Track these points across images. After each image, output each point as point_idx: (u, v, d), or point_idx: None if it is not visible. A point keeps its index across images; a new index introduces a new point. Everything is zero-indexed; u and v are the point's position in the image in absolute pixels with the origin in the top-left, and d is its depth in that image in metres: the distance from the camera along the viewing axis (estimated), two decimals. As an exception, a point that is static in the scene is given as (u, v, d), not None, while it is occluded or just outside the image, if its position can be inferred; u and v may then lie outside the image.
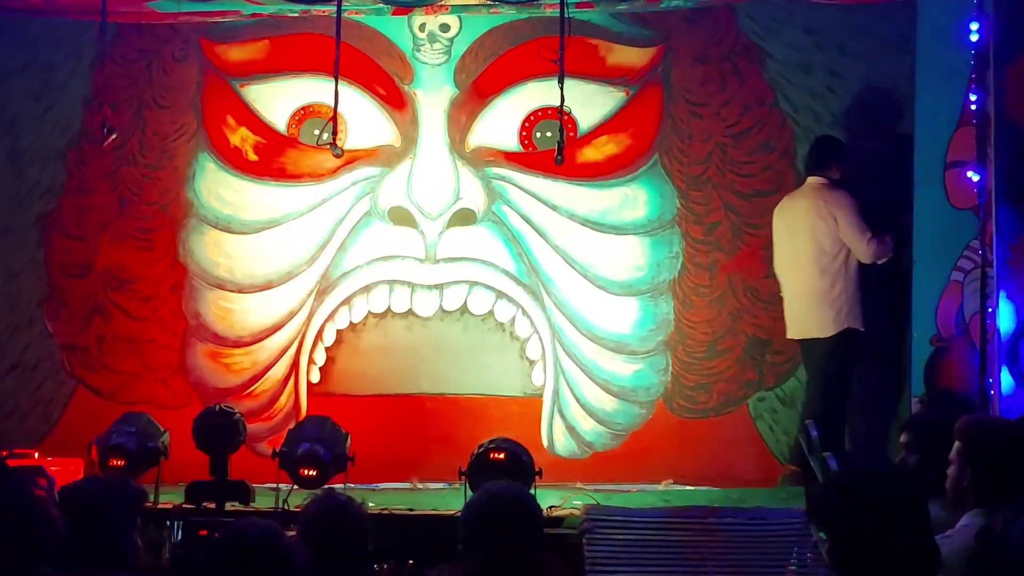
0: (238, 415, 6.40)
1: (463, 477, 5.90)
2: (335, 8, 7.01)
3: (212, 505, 6.08)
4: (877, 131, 7.66)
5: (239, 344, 8.03)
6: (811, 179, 7.41)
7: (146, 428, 6.41)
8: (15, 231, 8.09)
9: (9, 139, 8.15)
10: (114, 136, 6.73)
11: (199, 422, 6.34)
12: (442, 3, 7.72)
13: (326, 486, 5.78)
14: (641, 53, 8.03)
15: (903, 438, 4.79)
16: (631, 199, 8.03)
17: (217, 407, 6.41)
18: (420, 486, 7.61)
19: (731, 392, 7.84)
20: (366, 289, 8.04)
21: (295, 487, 6.07)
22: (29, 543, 3.32)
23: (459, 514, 3.84)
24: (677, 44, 8.00)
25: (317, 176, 8.10)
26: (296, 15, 7.83)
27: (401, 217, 8.02)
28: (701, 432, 7.80)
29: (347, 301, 8.04)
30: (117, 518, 3.78)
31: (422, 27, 8.09)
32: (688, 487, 7.54)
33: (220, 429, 6.23)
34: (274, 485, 6.16)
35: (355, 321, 8.04)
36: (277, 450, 6.21)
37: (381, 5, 7.75)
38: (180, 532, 5.84)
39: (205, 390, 7.94)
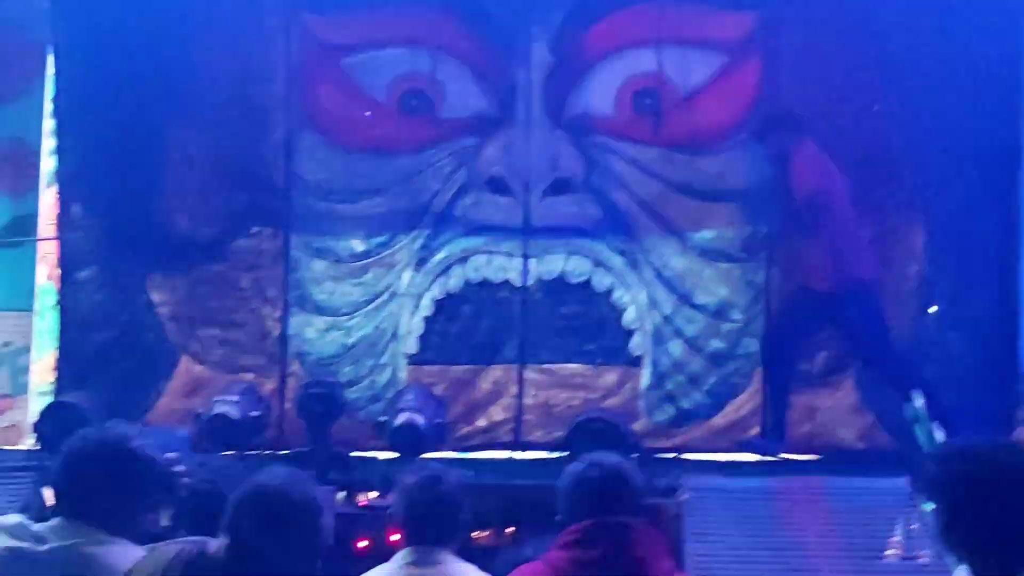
0: (339, 385, 6.46)
1: (561, 447, 5.89)
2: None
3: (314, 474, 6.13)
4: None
5: (339, 314, 8.09)
6: None
7: (249, 397, 6.50)
8: (118, 202, 8.20)
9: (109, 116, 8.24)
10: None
11: (301, 392, 6.42)
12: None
13: (424, 456, 5.81)
14: (740, 18, 7.92)
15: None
16: (730, 165, 7.93)
17: (318, 377, 6.48)
18: (519, 457, 7.63)
19: (835, 360, 7.73)
20: (464, 259, 8.05)
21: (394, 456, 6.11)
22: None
23: (558, 484, 3.82)
24: (776, 9, 7.87)
25: (416, 146, 8.11)
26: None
27: (498, 186, 8.01)
28: (803, 400, 7.70)
29: (445, 271, 8.06)
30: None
31: (519, -6, 8.05)
32: (790, 457, 7.46)
33: (321, 399, 6.29)
34: (374, 454, 6.22)
35: (453, 291, 8.06)
36: (377, 420, 6.26)
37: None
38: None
39: (307, 360, 8.02)
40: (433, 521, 3.92)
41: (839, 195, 7.28)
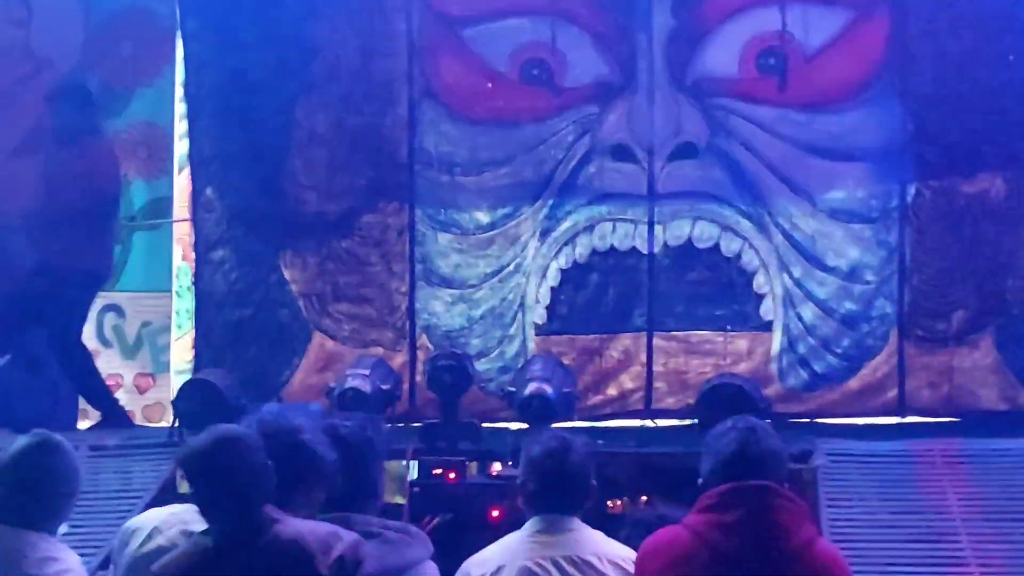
0: (468, 357, 6.50)
1: (693, 414, 5.85)
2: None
3: (445, 445, 6.21)
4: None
5: (466, 286, 8.13)
6: None
7: (380, 371, 6.58)
8: (248, 182, 8.34)
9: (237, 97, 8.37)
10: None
11: (430, 364, 6.48)
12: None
13: (553, 425, 5.82)
14: (866, -29, 7.75)
15: None
16: (859, 123, 7.77)
17: (447, 349, 6.53)
18: (653, 425, 7.61)
19: (972, 320, 7.55)
20: (589, 227, 8.03)
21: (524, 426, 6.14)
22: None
23: (702, 447, 3.77)
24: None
25: (538, 115, 8.10)
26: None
27: (622, 153, 7.96)
28: (940, 361, 7.54)
29: (571, 240, 8.04)
30: (378, 457, 3.85)
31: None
32: (928, 419, 7.32)
33: (450, 370, 6.34)
34: (504, 424, 6.25)
35: (579, 260, 8.05)
36: (506, 391, 6.29)
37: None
38: (416, 472, 5.99)
39: (435, 333, 8.09)
40: (560, 489, 3.91)
41: None
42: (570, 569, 3.81)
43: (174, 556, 3.43)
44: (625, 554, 3.87)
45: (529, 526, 3.89)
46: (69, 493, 3.84)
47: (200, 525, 3.48)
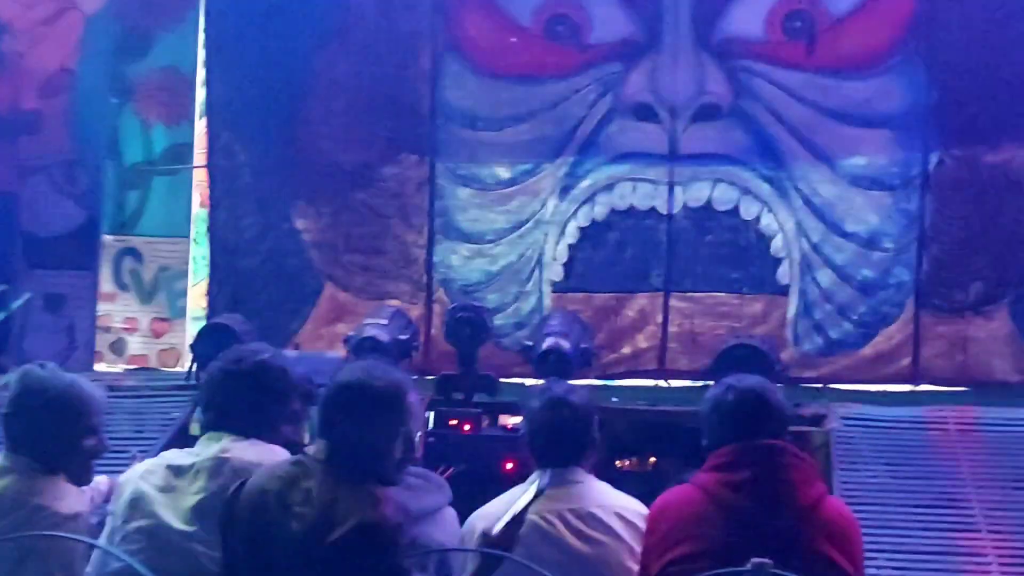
0: (486, 310, 6.51)
1: (707, 375, 5.86)
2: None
3: (461, 397, 6.22)
4: None
5: (484, 241, 8.14)
6: None
7: (397, 321, 6.58)
8: (265, 130, 8.33)
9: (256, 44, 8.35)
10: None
11: (449, 316, 6.48)
12: None
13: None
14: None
15: None
16: (884, 90, 7.75)
17: (466, 301, 6.54)
18: (666, 385, 7.63)
19: (989, 290, 7.54)
20: (609, 186, 8.02)
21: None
22: None
23: (701, 407, 3.79)
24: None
25: (561, 72, 8.07)
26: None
27: (645, 112, 7.94)
28: (956, 331, 7.54)
29: (590, 198, 8.04)
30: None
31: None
32: (942, 388, 7.33)
33: (468, 323, 6.35)
34: (520, 380, 6.26)
35: (598, 218, 8.05)
36: (523, 345, 6.30)
37: None
38: (432, 422, 6.01)
39: (452, 287, 8.10)
40: (562, 441, 3.90)
41: None
42: (575, 522, 3.82)
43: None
44: (630, 505, 3.88)
45: (534, 479, 3.90)
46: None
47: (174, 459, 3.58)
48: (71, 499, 3.67)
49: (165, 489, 3.62)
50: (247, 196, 8.26)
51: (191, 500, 3.57)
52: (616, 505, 3.87)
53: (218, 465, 3.58)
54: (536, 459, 3.95)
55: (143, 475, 3.69)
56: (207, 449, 3.65)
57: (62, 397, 3.72)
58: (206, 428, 3.74)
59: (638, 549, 3.74)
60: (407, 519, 3.34)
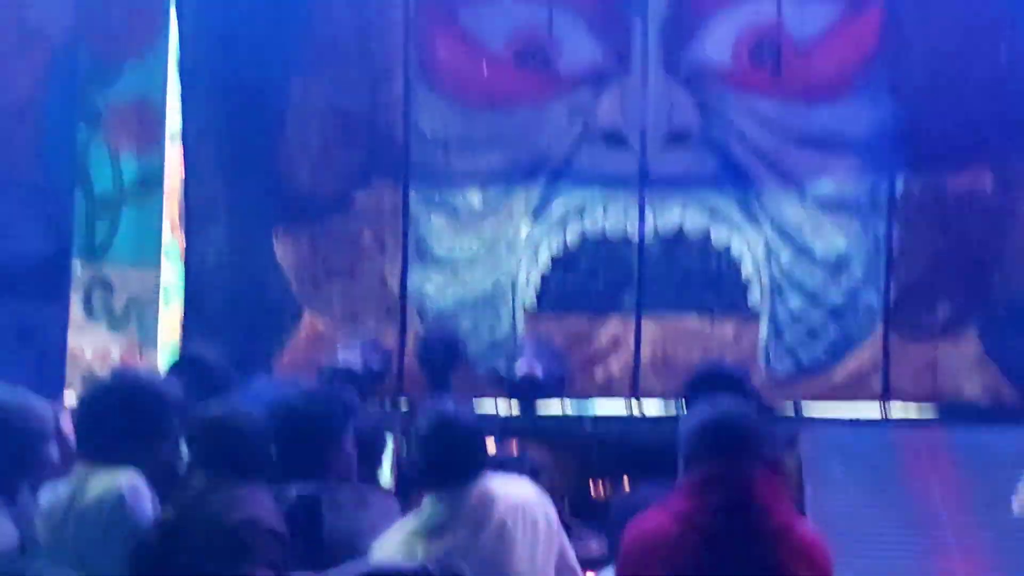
0: (459, 335, 6.53)
1: (679, 399, 5.89)
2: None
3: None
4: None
5: (458, 267, 8.16)
6: None
7: (370, 349, 6.60)
8: (240, 157, 8.33)
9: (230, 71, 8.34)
10: None
11: (421, 342, 6.51)
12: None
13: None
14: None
15: None
16: (850, 115, 7.82)
17: (439, 327, 6.55)
18: (639, 409, 7.65)
19: (958, 313, 7.61)
20: (580, 211, 8.06)
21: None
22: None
23: (678, 429, 3.79)
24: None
25: (532, 99, 8.11)
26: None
27: (615, 138, 7.99)
28: (925, 354, 7.60)
29: (562, 223, 8.08)
30: (323, 429, 3.84)
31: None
32: (912, 411, 7.38)
33: (442, 348, 6.37)
34: (494, 404, 6.27)
35: (570, 243, 8.08)
36: (496, 371, 6.32)
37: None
38: (405, 447, 6.01)
39: (426, 313, 8.10)
40: (450, 466, 3.83)
41: None
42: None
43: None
44: (521, 492, 3.87)
45: (424, 509, 3.83)
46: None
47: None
48: None
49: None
50: (224, 224, 8.25)
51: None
52: (506, 495, 3.83)
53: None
54: (426, 483, 3.89)
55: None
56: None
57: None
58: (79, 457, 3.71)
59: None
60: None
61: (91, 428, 3.70)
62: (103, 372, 8.23)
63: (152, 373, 3.81)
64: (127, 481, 3.51)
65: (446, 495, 3.78)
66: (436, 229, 8.16)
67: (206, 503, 3.53)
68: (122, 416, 3.67)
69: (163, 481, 3.63)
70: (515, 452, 5.95)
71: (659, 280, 7.99)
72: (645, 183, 7.97)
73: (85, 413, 3.74)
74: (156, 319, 8.58)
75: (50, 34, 8.56)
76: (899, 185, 7.77)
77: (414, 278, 8.13)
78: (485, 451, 3.92)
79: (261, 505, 3.56)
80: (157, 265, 8.59)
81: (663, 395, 7.71)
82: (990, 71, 7.62)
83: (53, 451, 3.75)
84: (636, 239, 8.00)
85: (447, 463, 3.81)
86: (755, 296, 7.91)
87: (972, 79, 7.63)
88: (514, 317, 8.08)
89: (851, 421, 7.12)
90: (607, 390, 7.91)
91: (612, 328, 7.99)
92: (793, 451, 6.09)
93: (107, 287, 8.62)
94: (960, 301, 7.64)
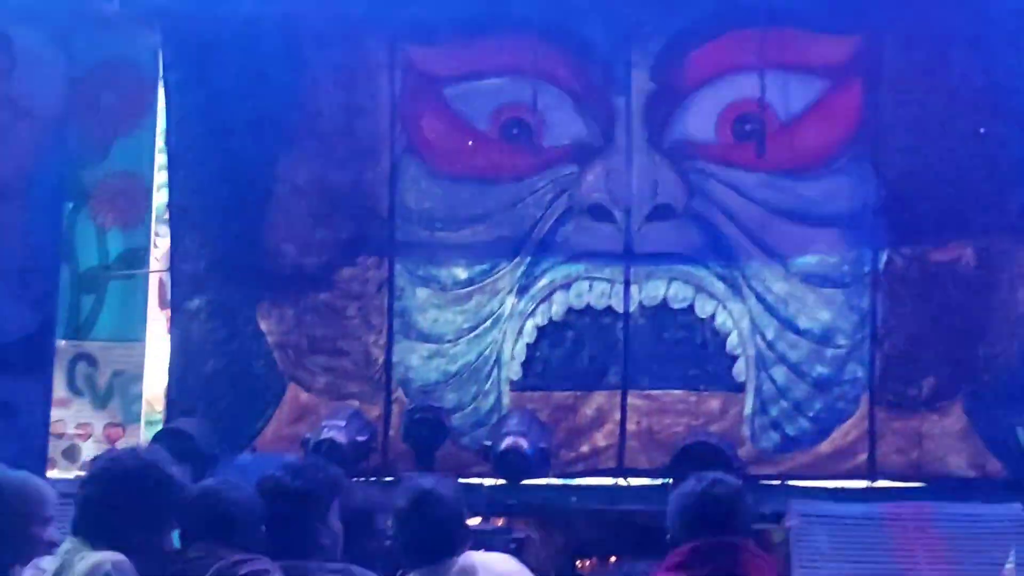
0: (444, 410, 6.52)
1: (666, 473, 5.88)
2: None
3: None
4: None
5: (443, 341, 8.16)
6: None
7: (356, 422, 6.58)
8: (227, 233, 8.36)
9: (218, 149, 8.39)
10: None
11: (407, 417, 6.50)
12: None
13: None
14: (841, 42, 7.90)
15: None
16: (833, 189, 7.90)
17: (424, 402, 6.54)
18: (625, 483, 7.62)
19: (942, 386, 7.62)
20: (566, 285, 8.09)
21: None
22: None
23: (669, 503, 3.77)
24: (877, 32, 7.83)
25: (517, 174, 8.17)
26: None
27: (600, 213, 8.04)
28: (910, 427, 7.60)
29: (548, 297, 8.09)
30: (309, 505, 3.81)
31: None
32: (898, 484, 7.36)
33: (426, 424, 6.36)
34: (479, 479, 6.25)
35: (555, 317, 8.09)
36: (482, 445, 6.30)
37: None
38: (389, 524, 5.96)
39: (411, 387, 8.09)
40: (431, 542, 3.76)
41: None
42: None
43: None
44: (503, 567, 3.79)
45: None
46: None
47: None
48: None
49: None
50: (210, 299, 8.25)
51: None
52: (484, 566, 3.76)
53: None
54: (407, 559, 3.82)
55: None
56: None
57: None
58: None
59: None
60: None
61: (96, 511, 3.64)
62: (101, 449, 8.22)
63: (165, 459, 3.72)
64: (112, 557, 3.47)
65: (427, 571, 3.77)
66: (421, 303, 8.18)
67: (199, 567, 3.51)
68: (132, 505, 3.61)
69: (154, 567, 3.59)
70: (500, 525, 5.92)
71: (645, 354, 7.99)
72: (630, 257, 8.01)
73: (92, 494, 3.68)
74: (140, 394, 8.56)
75: (40, 113, 8.62)
76: (883, 259, 7.82)
77: (399, 351, 8.14)
78: (466, 526, 3.86)
79: None
80: (142, 340, 8.58)
81: (649, 468, 7.69)
82: (969, 148, 7.71)
83: (50, 533, 3.71)
84: (621, 313, 8.01)
85: (428, 539, 3.75)
86: (740, 369, 7.92)
87: (952, 154, 7.71)
88: (499, 390, 8.07)
89: (838, 494, 7.09)
90: (594, 464, 7.89)
91: (598, 402, 7.98)
92: (780, 524, 6.07)
93: (91, 362, 8.61)
94: (945, 374, 7.65)
